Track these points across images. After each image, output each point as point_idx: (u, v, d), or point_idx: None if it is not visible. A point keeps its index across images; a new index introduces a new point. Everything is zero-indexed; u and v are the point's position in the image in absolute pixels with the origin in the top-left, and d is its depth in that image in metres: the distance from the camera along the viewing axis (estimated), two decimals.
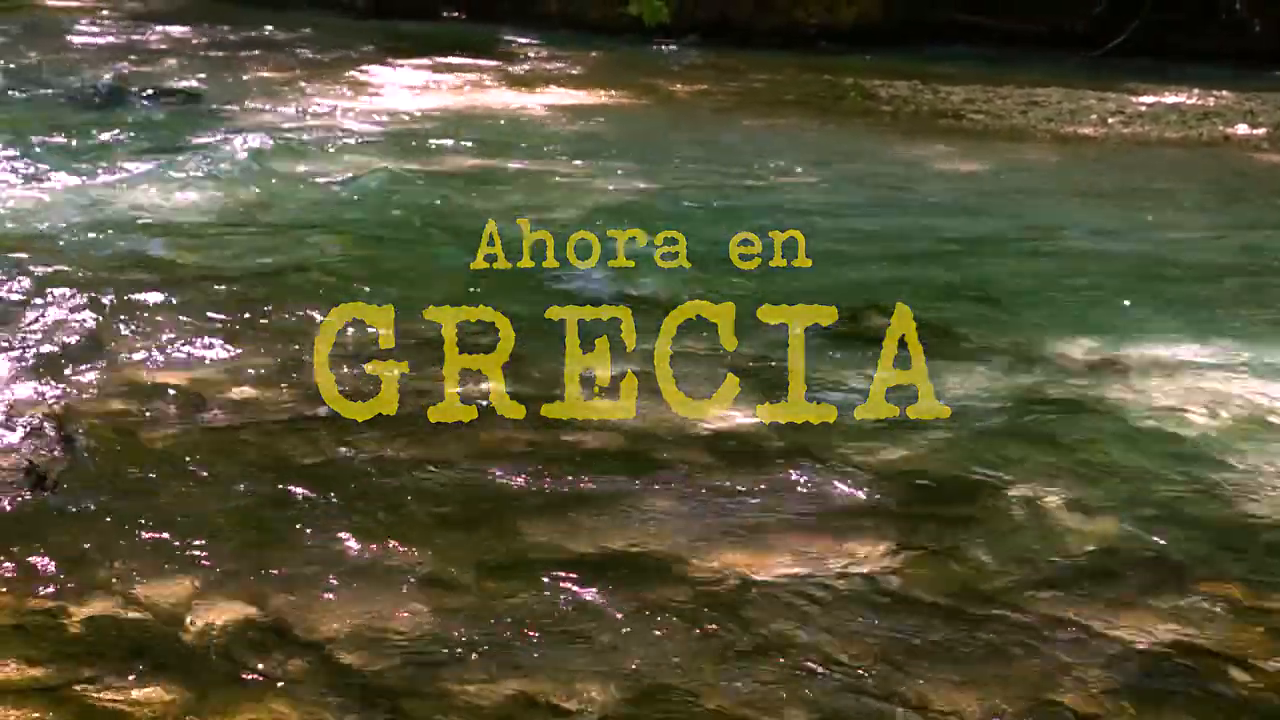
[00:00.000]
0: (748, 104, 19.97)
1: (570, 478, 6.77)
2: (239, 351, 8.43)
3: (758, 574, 5.86)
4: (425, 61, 22.78)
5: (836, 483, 6.76)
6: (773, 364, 8.45)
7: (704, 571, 5.88)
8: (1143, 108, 19.65)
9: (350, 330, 8.83)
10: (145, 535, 6.00)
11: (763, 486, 6.69)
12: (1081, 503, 6.63)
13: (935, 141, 16.82)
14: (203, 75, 20.93)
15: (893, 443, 7.29)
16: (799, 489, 6.68)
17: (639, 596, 5.65)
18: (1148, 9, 21.38)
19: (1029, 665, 5.25)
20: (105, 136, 15.41)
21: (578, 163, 14.79)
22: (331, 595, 5.57)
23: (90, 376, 7.93)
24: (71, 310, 9.03)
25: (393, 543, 6.02)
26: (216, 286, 9.68)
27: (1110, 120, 18.69)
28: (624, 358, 8.45)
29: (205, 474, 6.67)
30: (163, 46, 24.46)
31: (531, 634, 5.36)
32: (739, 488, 6.68)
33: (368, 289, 9.74)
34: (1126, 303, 9.99)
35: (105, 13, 29.59)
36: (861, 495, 6.66)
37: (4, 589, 5.55)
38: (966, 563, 6.02)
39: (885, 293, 9.86)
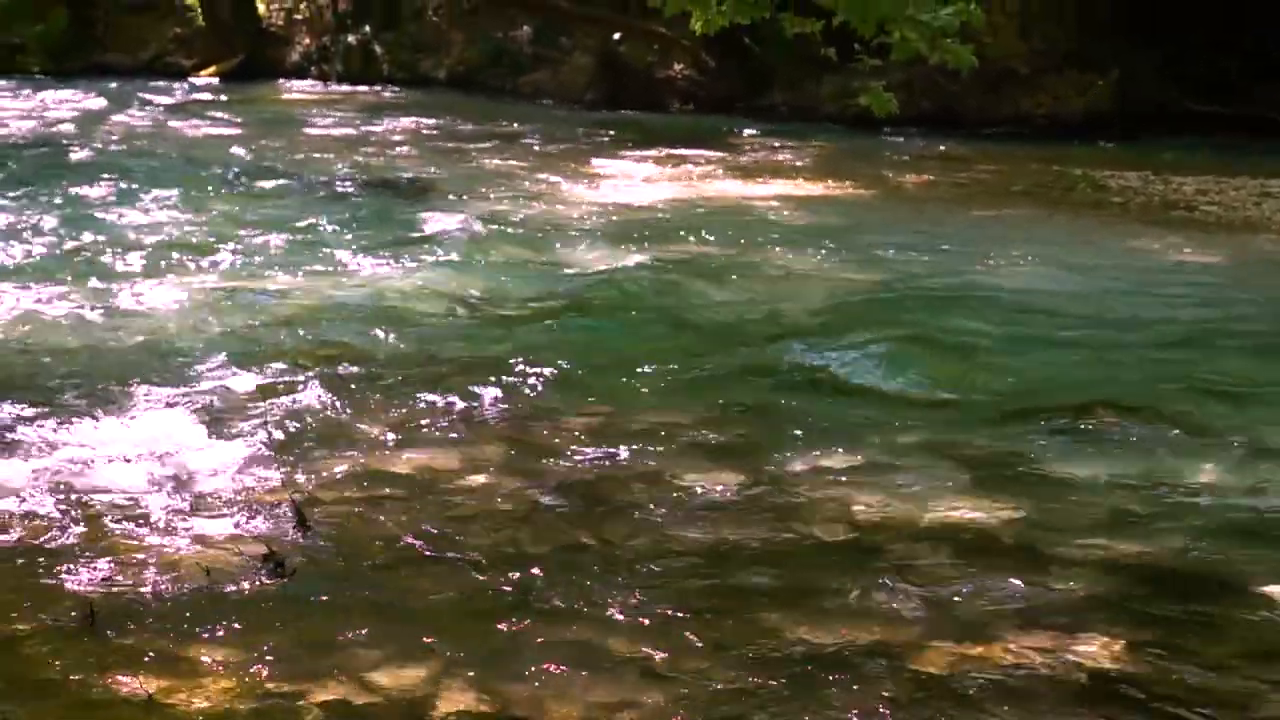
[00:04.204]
0: (975, 195, 19.87)
1: (803, 569, 6.75)
2: (471, 439, 8.52)
3: (986, 668, 5.80)
4: (653, 153, 22.97)
5: (1067, 577, 6.67)
6: (1002, 457, 8.37)
7: (933, 665, 5.83)
8: None
9: (578, 418, 8.91)
10: (380, 622, 6.07)
11: (992, 580, 6.61)
12: None
13: (1166, 233, 16.58)
14: (433, 165, 21.27)
15: (1126, 538, 7.17)
16: (1028, 582, 6.59)
17: (870, 688, 5.62)
18: None
19: None
20: (338, 225, 15.70)
21: (805, 253, 14.78)
22: (566, 684, 5.59)
23: (325, 464, 8.05)
24: (305, 397, 9.19)
25: (627, 632, 6.04)
26: (448, 374, 9.80)
27: None
28: (854, 449, 8.42)
29: (439, 562, 6.74)
30: (394, 137, 24.90)
31: None
32: (968, 580, 6.61)
33: (598, 379, 9.81)
34: None
35: (340, 105, 30.21)
36: (1094, 591, 6.55)
37: (243, 673, 5.65)
38: (1204, 661, 5.90)
39: (1119, 385, 9.75)
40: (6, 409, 8.81)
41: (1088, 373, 10.27)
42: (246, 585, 6.40)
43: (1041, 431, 8.79)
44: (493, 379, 9.67)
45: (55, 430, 8.45)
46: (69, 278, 12.71)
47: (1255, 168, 20.96)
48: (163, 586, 6.40)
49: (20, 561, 6.69)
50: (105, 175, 18.75)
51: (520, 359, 10.15)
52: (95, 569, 6.58)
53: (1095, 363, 10.57)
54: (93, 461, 7.97)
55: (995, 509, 7.56)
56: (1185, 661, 5.90)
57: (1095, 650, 5.96)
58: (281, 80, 35.82)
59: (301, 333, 10.97)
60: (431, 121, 26.87)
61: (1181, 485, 7.95)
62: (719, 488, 7.79)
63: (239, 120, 27.26)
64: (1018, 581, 6.61)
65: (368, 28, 36.09)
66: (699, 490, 7.75)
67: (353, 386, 9.44)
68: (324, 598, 6.31)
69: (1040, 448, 8.50)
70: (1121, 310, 12.39)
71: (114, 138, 24.11)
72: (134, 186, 18.00)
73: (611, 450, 8.35)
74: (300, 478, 7.79)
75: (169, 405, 8.99)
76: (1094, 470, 8.15)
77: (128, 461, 7.98)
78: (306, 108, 30.02)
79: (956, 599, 6.46)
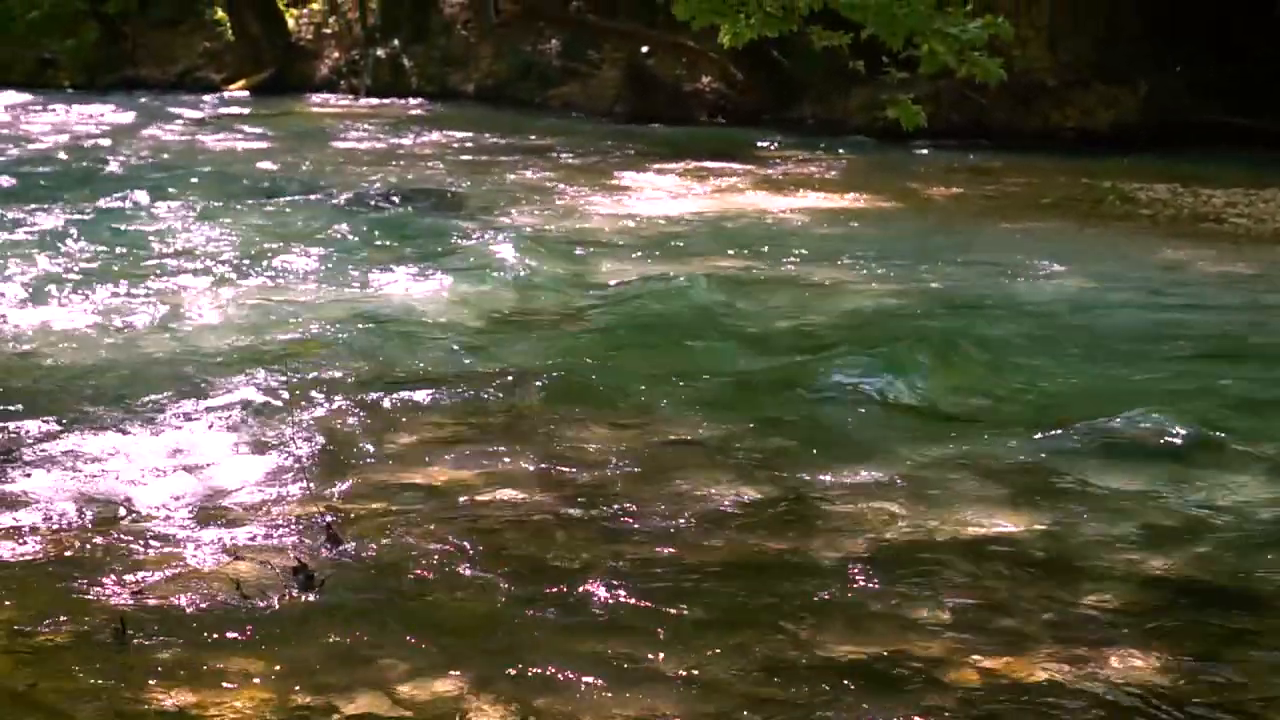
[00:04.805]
0: (1004, 207, 19.83)
1: (831, 582, 6.73)
2: (499, 451, 8.51)
3: (1019, 680, 5.78)
4: (682, 165, 22.97)
5: (1100, 590, 6.65)
6: (1033, 469, 8.35)
7: (964, 678, 5.82)
8: None
9: (607, 430, 8.91)
10: (410, 634, 6.07)
11: (1025, 592, 6.60)
12: None
13: (1196, 245, 16.52)
14: (462, 178, 21.30)
15: (1158, 551, 7.14)
16: (1061, 595, 6.57)
17: (901, 699, 5.61)
18: None
19: None
20: (366, 238, 15.75)
21: (833, 266, 14.77)
22: (597, 697, 5.59)
23: (356, 477, 8.06)
24: (335, 411, 9.20)
25: (658, 643, 6.03)
26: (476, 387, 9.79)
27: None
28: (883, 460, 8.42)
29: (468, 574, 6.74)
30: (424, 151, 24.95)
31: None
32: (1001, 594, 6.59)
33: (626, 392, 9.81)
34: None
35: (369, 119, 30.27)
36: (1127, 603, 6.53)
37: (273, 686, 5.65)
38: (1238, 675, 5.87)
39: (1150, 397, 9.70)
40: (37, 421, 8.84)
41: (1119, 384, 10.24)
42: (276, 598, 6.41)
43: (1073, 443, 8.76)
44: (520, 391, 9.69)
45: (84, 442, 8.48)
46: (98, 290, 12.75)
47: None
48: (192, 599, 6.41)
49: (50, 573, 6.71)
50: (135, 188, 18.81)
51: (548, 371, 10.16)
52: (125, 581, 6.59)
53: (1126, 374, 10.55)
54: (122, 474, 7.99)
55: (1027, 521, 7.54)
56: (1220, 675, 5.88)
57: (1129, 663, 5.93)
58: (311, 94, 35.96)
59: (329, 344, 10.99)
60: (460, 135, 26.91)
61: (1213, 497, 7.92)
62: (749, 499, 7.78)
63: (268, 134, 27.36)
64: (1050, 594, 6.59)
65: (396, 41, 36.20)
66: (729, 502, 7.74)
67: (380, 398, 9.45)
68: (354, 610, 6.31)
69: (1071, 460, 8.47)
70: (1152, 322, 12.37)
71: (144, 151, 24.20)
72: (163, 199, 18.08)
73: (641, 462, 8.35)
74: (330, 490, 7.79)
75: (198, 417, 9.01)
76: (1125, 482, 8.12)
77: (157, 474, 8.01)
78: (335, 121, 30.09)
79: (989, 611, 6.44)
